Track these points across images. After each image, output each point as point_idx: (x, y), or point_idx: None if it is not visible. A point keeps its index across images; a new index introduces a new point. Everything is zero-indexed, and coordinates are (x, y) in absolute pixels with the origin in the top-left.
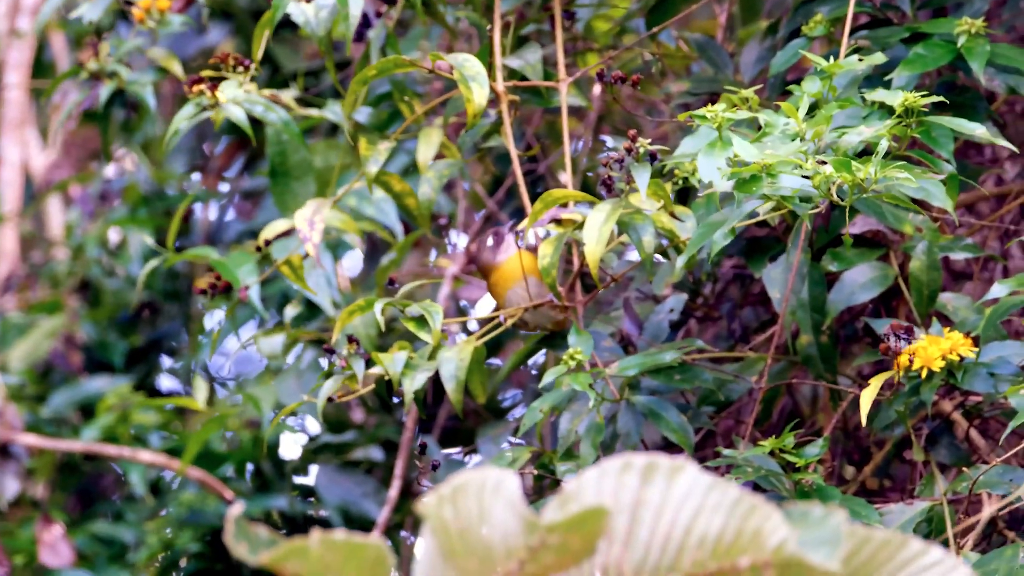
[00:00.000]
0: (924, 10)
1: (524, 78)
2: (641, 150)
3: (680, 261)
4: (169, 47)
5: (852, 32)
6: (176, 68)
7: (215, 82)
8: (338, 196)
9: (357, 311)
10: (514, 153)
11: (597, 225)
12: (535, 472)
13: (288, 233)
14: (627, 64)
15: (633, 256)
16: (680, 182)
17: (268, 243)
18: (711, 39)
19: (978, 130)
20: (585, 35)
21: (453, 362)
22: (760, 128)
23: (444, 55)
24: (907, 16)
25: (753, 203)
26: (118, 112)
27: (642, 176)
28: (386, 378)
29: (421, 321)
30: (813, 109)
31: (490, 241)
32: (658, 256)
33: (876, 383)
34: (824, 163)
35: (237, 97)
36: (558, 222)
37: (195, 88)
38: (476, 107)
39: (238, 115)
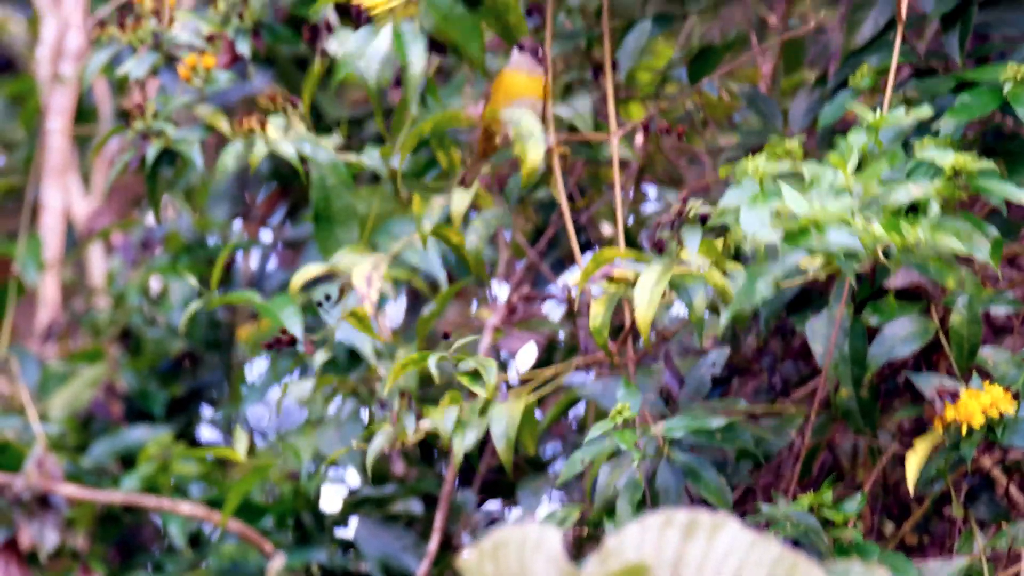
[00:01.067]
0: (970, 58)
1: (572, 127)
2: (692, 212)
3: (724, 317)
4: (214, 101)
5: (898, 83)
6: (223, 125)
7: (263, 119)
8: (394, 251)
9: (411, 364)
10: (564, 204)
11: (649, 287)
12: (576, 527)
13: (328, 278)
14: (669, 114)
15: (680, 310)
16: (728, 236)
17: (328, 297)
18: (758, 90)
19: (1021, 195)
20: (627, 84)
21: (504, 420)
22: (804, 182)
23: (497, 110)
24: (953, 65)
25: (798, 257)
26: (166, 171)
27: (693, 238)
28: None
29: (475, 375)
30: (860, 163)
31: (530, 55)
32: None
33: (922, 448)
34: (872, 220)
35: (288, 135)
36: (610, 279)
37: (244, 124)
38: (531, 166)
39: (288, 151)
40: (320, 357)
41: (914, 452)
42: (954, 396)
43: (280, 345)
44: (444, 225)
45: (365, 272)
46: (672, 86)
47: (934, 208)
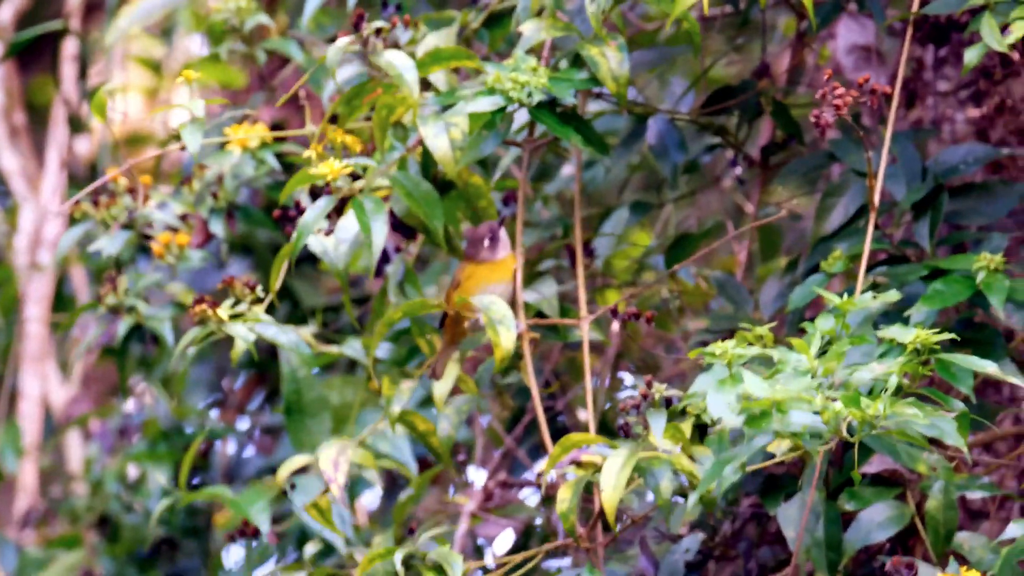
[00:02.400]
0: (943, 247)
1: (540, 312)
2: (657, 395)
3: (692, 499)
4: (188, 282)
5: (870, 268)
6: None
7: (217, 302)
8: (362, 437)
9: (378, 558)
10: (535, 390)
11: (615, 471)
12: None
13: (306, 469)
14: (646, 300)
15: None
16: (694, 419)
17: (293, 486)
18: (730, 276)
19: (990, 367)
20: (604, 271)
21: None
22: (774, 365)
23: (468, 297)
24: (926, 253)
25: (764, 440)
26: (136, 347)
27: (658, 422)
28: None
29: (439, 569)
30: (827, 346)
31: (487, 239)
32: (677, 497)
33: None
34: (834, 399)
35: (246, 318)
36: (578, 464)
37: (197, 308)
38: (504, 351)
39: (243, 334)
40: (311, 549)
41: None
42: (909, 567)
43: (244, 536)
44: (411, 411)
45: (331, 456)
46: (649, 273)
47: (892, 381)
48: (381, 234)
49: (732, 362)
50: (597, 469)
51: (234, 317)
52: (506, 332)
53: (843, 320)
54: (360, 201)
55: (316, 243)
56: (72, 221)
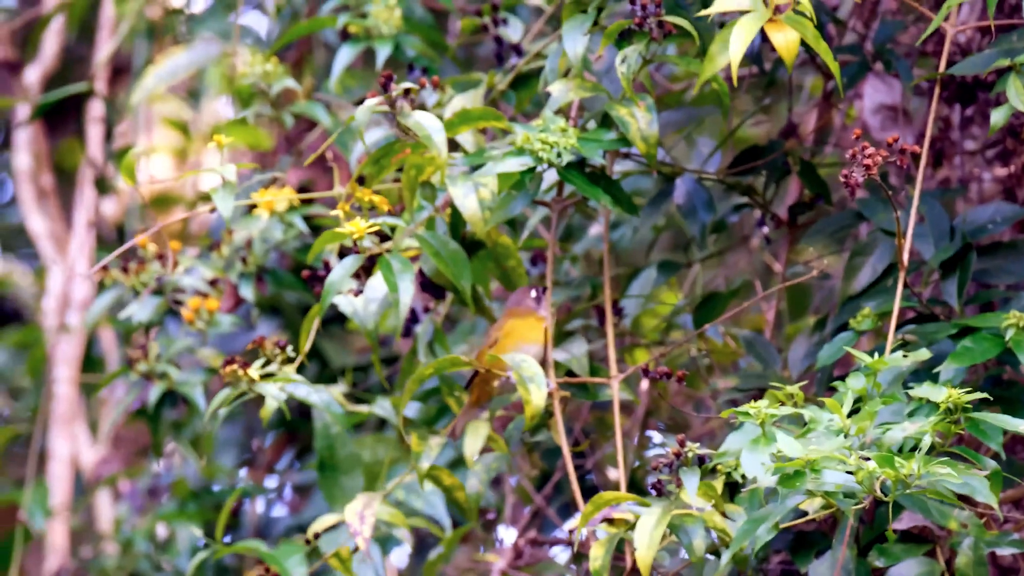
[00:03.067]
0: (971, 305)
1: (570, 371)
2: (690, 454)
3: (724, 557)
4: (218, 346)
5: (899, 326)
6: None
7: (248, 362)
8: (388, 490)
9: None
10: (565, 448)
11: (649, 529)
12: None
13: (337, 526)
14: (675, 360)
15: (685, 553)
16: (725, 478)
17: (317, 536)
18: (759, 335)
19: (1021, 426)
20: (633, 330)
21: None
22: (805, 424)
23: (499, 356)
24: (954, 311)
25: (797, 498)
26: (168, 412)
27: (691, 481)
28: None
29: None
30: (858, 404)
31: (533, 293)
32: (709, 555)
33: None
34: (868, 459)
35: (277, 379)
36: (610, 522)
37: (228, 369)
38: (535, 408)
39: (274, 394)
40: None
41: None
42: None
43: None
44: (439, 467)
45: (358, 510)
46: (678, 332)
47: (926, 441)
48: (408, 293)
49: (765, 421)
50: (629, 527)
51: (265, 377)
52: (537, 390)
53: (873, 379)
54: (388, 260)
55: (345, 303)
56: (101, 285)
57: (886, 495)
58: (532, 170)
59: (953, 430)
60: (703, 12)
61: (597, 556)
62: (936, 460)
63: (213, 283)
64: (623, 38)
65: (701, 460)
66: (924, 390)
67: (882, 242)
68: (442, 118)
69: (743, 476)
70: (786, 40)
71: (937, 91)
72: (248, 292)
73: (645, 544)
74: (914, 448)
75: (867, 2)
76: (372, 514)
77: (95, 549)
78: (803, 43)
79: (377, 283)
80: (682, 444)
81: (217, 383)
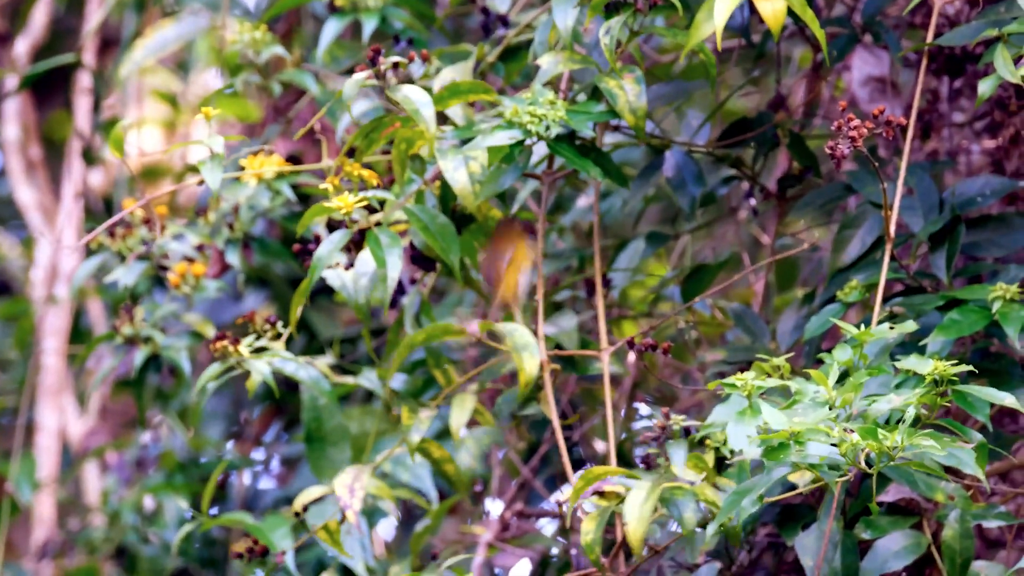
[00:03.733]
0: (959, 278)
1: (558, 345)
2: (676, 427)
3: (710, 529)
4: (205, 313)
5: (887, 299)
6: (211, 333)
7: (238, 338)
8: (377, 463)
9: None
10: (556, 422)
11: (638, 503)
12: None
13: (323, 499)
14: (662, 332)
15: (675, 526)
16: (715, 451)
17: (305, 508)
18: (747, 308)
19: (1008, 398)
20: (620, 302)
21: None
22: (792, 396)
23: (490, 323)
24: (942, 284)
25: (782, 471)
26: (153, 377)
27: (678, 453)
28: None
29: None
30: (844, 377)
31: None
32: (699, 528)
33: None
34: (851, 431)
35: (264, 354)
36: (600, 495)
37: (218, 344)
38: (528, 376)
39: (263, 370)
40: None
41: None
42: None
43: (252, 556)
44: (428, 440)
45: (347, 482)
46: (666, 305)
47: (910, 412)
48: (396, 268)
49: (751, 393)
50: (619, 500)
51: (255, 352)
52: (530, 358)
53: (860, 351)
54: (376, 234)
55: (334, 276)
56: (88, 253)
57: (871, 467)
58: (521, 143)
59: (940, 402)
60: None
61: (588, 530)
62: (922, 432)
63: (200, 249)
64: (610, 10)
65: (687, 432)
66: (911, 362)
67: (871, 215)
68: (431, 91)
69: (730, 449)
70: (773, 9)
71: (925, 63)
72: (235, 258)
73: (636, 518)
74: (900, 420)
75: None
76: (362, 487)
77: (82, 521)
78: (791, 14)
79: (368, 257)
80: (667, 416)
81: (204, 352)
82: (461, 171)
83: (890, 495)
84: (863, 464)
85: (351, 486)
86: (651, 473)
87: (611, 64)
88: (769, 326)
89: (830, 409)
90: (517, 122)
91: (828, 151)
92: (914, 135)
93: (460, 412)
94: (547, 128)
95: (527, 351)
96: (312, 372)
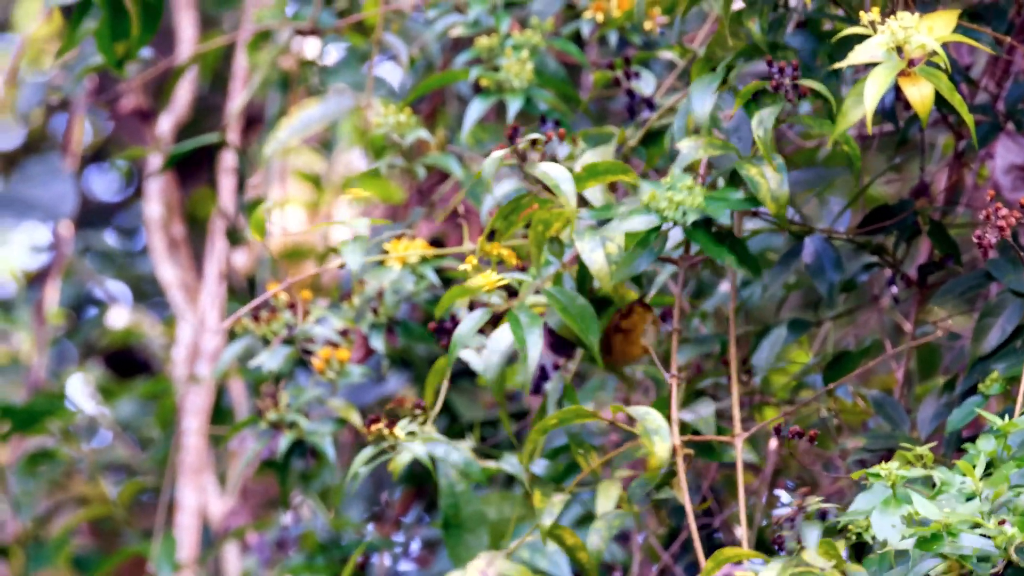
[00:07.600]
0: None
1: (697, 431)
2: (811, 508)
3: None
4: (347, 396)
5: None
6: (355, 418)
7: (392, 422)
8: (511, 548)
9: None
10: (688, 507)
11: None
12: None
13: None
14: (804, 419)
15: None
16: (853, 538)
17: None
18: (888, 395)
19: None
20: (762, 389)
21: None
22: (935, 486)
23: (624, 407)
24: None
25: (931, 563)
26: (297, 462)
27: (811, 535)
28: None
29: None
30: (988, 467)
31: None
32: None
33: None
34: (1005, 522)
35: (416, 437)
36: None
37: (373, 428)
38: (658, 460)
39: (419, 452)
40: None
41: None
42: None
43: None
44: (561, 526)
45: (481, 567)
46: (807, 392)
47: None
48: (536, 347)
49: (895, 483)
50: None
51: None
52: (661, 442)
53: (1004, 441)
54: (515, 314)
55: (475, 358)
56: (231, 335)
57: (1022, 560)
58: (657, 228)
59: None
60: (836, 65)
61: None
62: None
63: (344, 333)
64: (754, 99)
65: (823, 516)
66: None
67: (1011, 303)
68: (572, 171)
69: (873, 537)
70: (920, 94)
71: None
72: (379, 343)
73: None
74: None
75: (1000, 62)
76: (496, 573)
77: None
78: (938, 99)
79: (499, 336)
80: (803, 498)
81: (347, 434)
82: (598, 252)
83: None
84: (1014, 556)
85: (484, 572)
86: (782, 557)
87: (764, 155)
88: (910, 415)
89: (978, 501)
90: (654, 207)
91: (975, 240)
92: None
93: (605, 499)
94: (684, 214)
95: (658, 435)
96: (463, 455)
